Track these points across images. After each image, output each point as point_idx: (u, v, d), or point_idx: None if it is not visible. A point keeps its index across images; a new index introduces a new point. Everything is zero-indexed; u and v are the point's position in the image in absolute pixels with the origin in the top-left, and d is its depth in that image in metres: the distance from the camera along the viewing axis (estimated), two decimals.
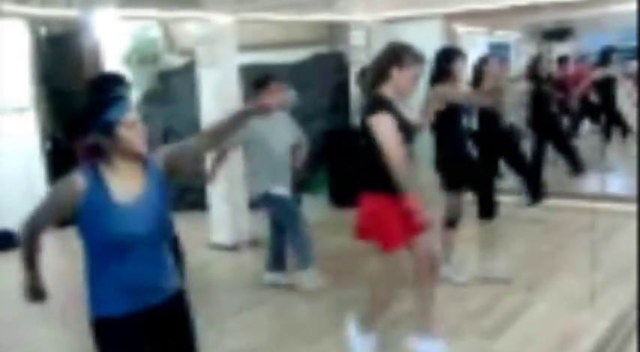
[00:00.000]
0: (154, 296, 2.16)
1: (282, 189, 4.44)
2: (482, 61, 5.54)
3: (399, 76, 3.09)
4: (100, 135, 2.05)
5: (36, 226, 2.17)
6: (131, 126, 2.06)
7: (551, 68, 8.28)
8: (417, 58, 3.14)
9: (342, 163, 6.89)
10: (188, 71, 6.76)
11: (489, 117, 5.11)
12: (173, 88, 7.49)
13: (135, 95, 7.64)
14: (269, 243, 4.71)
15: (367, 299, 3.39)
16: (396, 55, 3.11)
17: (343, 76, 7.63)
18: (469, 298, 4.22)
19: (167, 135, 7.43)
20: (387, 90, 3.13)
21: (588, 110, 8.89)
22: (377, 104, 3.10)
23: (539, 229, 5.93)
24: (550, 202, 6.52)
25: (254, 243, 5.77)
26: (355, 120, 7.14)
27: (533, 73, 6.70)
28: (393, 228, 3.08)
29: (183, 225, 5.27)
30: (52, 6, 5.24)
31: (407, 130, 3.11)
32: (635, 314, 3.77)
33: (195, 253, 4.95)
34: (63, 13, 5.30)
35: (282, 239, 4.60)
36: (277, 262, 4.67)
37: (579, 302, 3.99)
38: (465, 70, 4.36)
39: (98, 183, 2.06)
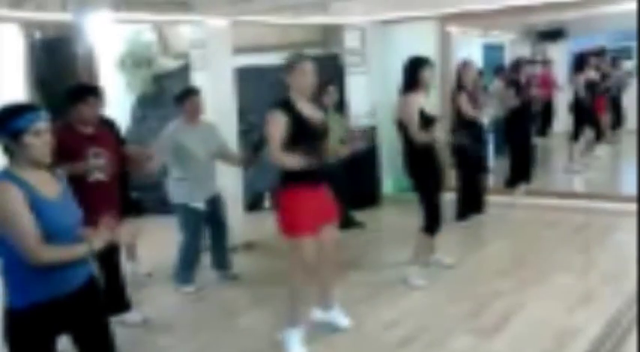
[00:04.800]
0: (73, 282, 2.33)
1: (198, 203, 4.61)
2: (462, 66, 5.79)
3: (291, 79, 3.44)
4: (9, 141, 2.21)
5: (38, 241, 2.17)
6: (38, 134, 2.21)
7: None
8: (299, 57, 3.56)
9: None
10: (182, 74, 6.76)
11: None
12: (167, 91, 7.47)
13: (130, 98, 7.66)
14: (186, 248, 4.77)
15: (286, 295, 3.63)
16: (286, 66, 3.48)
17: (338, 78, 7.63)
18: (464, 297, 4.24)
19: None
20: (292, 94, 3.46)
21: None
22: (275, 103, 3.44)
23: (534, 228, 5.95)
24: (543, 201, 6.56)
25: (249, 246, 5.78)
26: (353, 121, 7.14)
27: (513, 77, 6.72)
28: (296, 215, 3.39)
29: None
30: (47, 10, 5.22)
31: (306, 127, 3.39)
32: (631, 313, 3.79)
33: None
34: (57, 17, 5.29)
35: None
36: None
37: (575, 302, 4.02)
38: (434, 78, 4.55)
39: (20, 183, 2.19)
